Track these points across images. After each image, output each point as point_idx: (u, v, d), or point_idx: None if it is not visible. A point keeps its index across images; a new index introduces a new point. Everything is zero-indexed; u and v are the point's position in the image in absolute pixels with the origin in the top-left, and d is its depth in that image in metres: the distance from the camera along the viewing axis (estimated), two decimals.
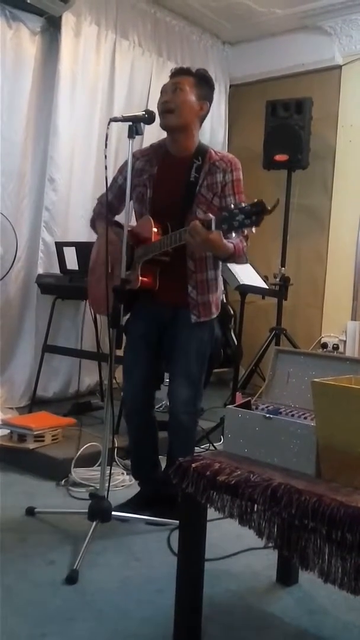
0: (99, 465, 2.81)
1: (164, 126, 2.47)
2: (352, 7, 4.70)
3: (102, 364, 4.33)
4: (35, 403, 3.92)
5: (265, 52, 5.31)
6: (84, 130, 4.28)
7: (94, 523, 2.28)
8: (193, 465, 1.69)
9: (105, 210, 2.53)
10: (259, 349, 4.64)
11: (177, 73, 2.51)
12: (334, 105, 5.00)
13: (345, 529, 1.38)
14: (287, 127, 4.64)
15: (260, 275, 4.14)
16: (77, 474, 2.98)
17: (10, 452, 3.15)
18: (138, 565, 2.22)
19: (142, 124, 2.30)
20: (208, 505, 1.67)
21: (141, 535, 2.46)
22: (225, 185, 2.44)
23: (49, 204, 4.09)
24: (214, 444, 3.38)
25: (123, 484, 2.96)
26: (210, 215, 2.15)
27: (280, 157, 4.65)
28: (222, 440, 3.27)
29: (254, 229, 2.02)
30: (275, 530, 1.56)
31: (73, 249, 3.83)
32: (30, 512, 2.57)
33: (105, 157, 2.23)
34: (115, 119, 2.31)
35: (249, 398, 1.95)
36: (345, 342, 4.92)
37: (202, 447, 3.34)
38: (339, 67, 5.01)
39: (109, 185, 2.67)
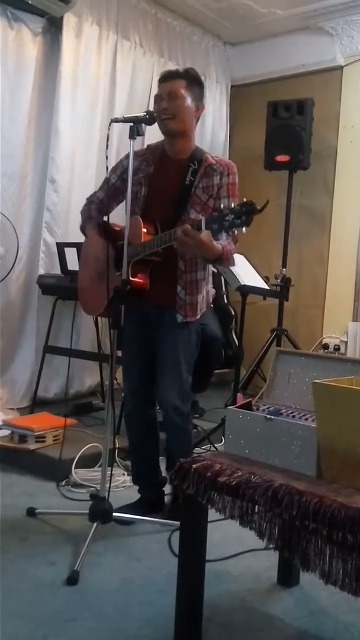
0: (99, 466, 2.81)
1: (164, 132, 2.48)
2: (353, 7, 4.70)
3: (102, 364, 4.33)
4: (36, 404, 3.92)
5: (266, 52, 5.31)
6: (85, 131, 4.28)
7: (95, 524, 2.28)
8: (194, 466, 1.69)
9: (94, 211, 2.53)
10: (260, 350, 4.64)
11: (167, 77, 2.47)
12: (335, 106, 5.00)
13: (346, 530, 1.38)
14: (289, 127, 4.65)
15: (261, 276, 4.13)
16: (78, 474, 2.97)
17: (11, 453, 3.15)
18: (139, 566, 2.22)
19: (143, 124, 2.30)
20: (209, 506, 1.67)
21: (142, 536, 2.46)
22: (221, 187, 2.45)
23: (50, 204, 4.10)
24: (215, 445, 3.38)
25: (124, 484, 2.96)
26: (200, 216, 2.15)
27: (281, 158, 4.65)
28: (223, 441, 3.27)
29: (244, 229, 2.03)
30: (276, 531, 1.56)
31: (74, 249, 3.82)
32: (31, 512, 2.57)
33: (107, 157, 2.23)
34: (116, 120, 2.31)
35: (250, 399, 1.95)
36: (346, 343, 4.92)
37: (203, 447, 3.34)
38: (340, 67, 5.01)
39: (102, 182, 2.67)
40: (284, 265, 4.66)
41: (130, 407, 2.66)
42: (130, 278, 2.35)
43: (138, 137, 2.31)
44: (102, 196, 2.65)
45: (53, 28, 4.07)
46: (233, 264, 2.53)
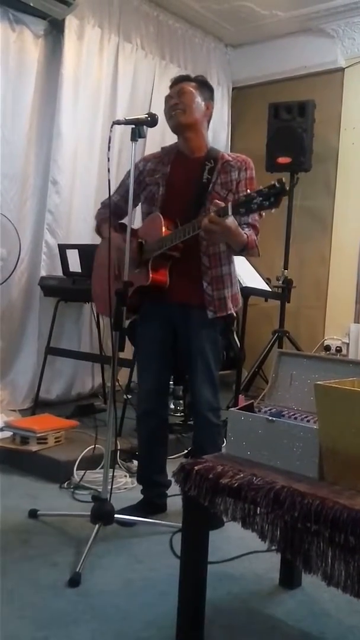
0: (101, 468, 2.81)
1: (174, 126, 2.50)
2: (354, 9, 4.71)
3: (104, 366, 4.33)
4: (38, 405, 3.92)
5: (267, 54, 5.32)
6: (86, 133, 4.29)
7: (97, 526, 2.28)
8: (196, 468, 1.69)
9: (109, 213, 2.54)
10: (261, 352, 4.64)
11: (178, 81, 2.56)
12: (337, 108, 5.00)
13: (348, 531, 1.38)
14: (290, 129, 4.65)
15: (263, 278, 4.15)
16: (80, 476, 2.98)
17: (13, 455, 3.16)
18: (141, 568, 2.22)
19: (144, 126, 2.30)
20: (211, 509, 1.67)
21: (144, 538, 2.46)
22: (240, 182, 2.46)
23: (52, 206, 4.10)
24: None
25: (126, 486, 2.96)
26: (222, 203, 2.15)
27: (283, 160, 4.66)
28: (225, 443, 3.27)
29: (273, 210, 2.02)
30: (278, 533, 1.56)
31: (76, 251, 3.83)
32: (33, 514, 2.58)
33: (108, 159, 2.24)
34: (118, 122, 2.31)
35: (252, 401, 1.95)
36: (348, 344, 4.91)
37: None
38: (342, 69, 5.01)
39: (117, 186, 2.68)
40: (285, 267, 4.67)
41: (144, 407, 2.66)
42: (150, 275, 2.37)
43: (139, 139, 2.31)
44: (117, 199, 2.65)
45: (55, 30, 4.08)
46: (258, 255, 2.53)
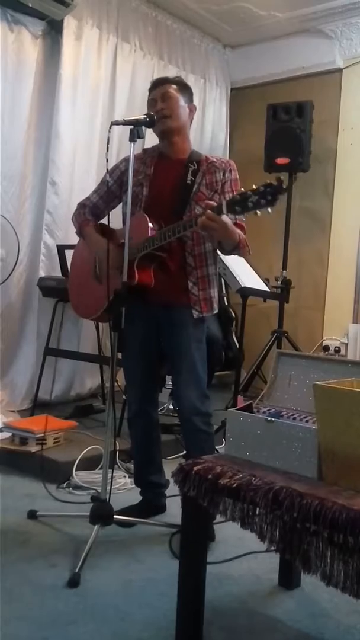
0: (100, 469, 2.81)
1: (162, 132, 2.49)
2: (352, 10, 4.71)
3: (103, 366, 4.33)
4: (37, 406, 3.92)
5: (266, 55, 5.32)
6: (85, 134, 4.29)
7: (96, 526, 2.28)
8: (195, 468, 1.69)
9: (88, 214, 2.57)
10: (260, 352, 4.64)
11: (158, 83, 2.55)
12: (335, 109, 5.01)
13: (347, 532, 1.38)
14: (288, 130, 4.65)
15: (261, 278, 4.14)
16: (79, 477, 2.98)
17: (12, 455, 3.15)
18: (140, 569, 2.22)
19: (143, 127, 2.31)
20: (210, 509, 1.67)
21: (143, 539, 2.46)
22: (225, 183, 2.46)
23: (51, 207, 4.10)
24: (216, 447, 3.37)
25: (125, 487, 2.96)
26: (214, 203, 2.15)
27: (281, 160, 4.66)
28: (223, 444, 3.27)
29: (269, 209, 2.00)
30: (277, 533, 1.56)
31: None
32: (32, 515, 2.58)
33: (107, 160, 2.24)
34: (116, 123, 2.31)
35: (251, 401, 1.95)
36: (346, 344, 4.92)
37: None
38: (340, 70, 5.02)
39: (96, 187, 2.68)
40: (284, 268, 4.67)
41: (133, 410, 2.65)
42: (136, 274, 2.33)
43: (138, 140, 2.31)
44: (96, 200, 2.65)
45: (53, 31, 4.08)
46: (249, 253, 2.52)
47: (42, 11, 3.83)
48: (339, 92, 5.01)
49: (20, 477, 3.05)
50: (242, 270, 3.72)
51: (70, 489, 2.93)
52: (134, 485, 2.85)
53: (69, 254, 3.85)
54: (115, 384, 2.45)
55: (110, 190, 2.58)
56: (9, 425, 3.32)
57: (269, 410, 1.91)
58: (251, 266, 4.02)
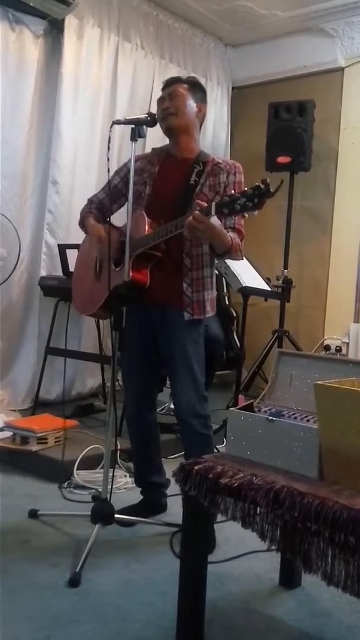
0: (101, 468, 2.81)
1: (166, 129, 2.48)
2: (354, 9, 4.71)
3: (104, 366, 4.33)
4: (38, 405, 3.92)
5: (267, 54, 5.32)
6: (86, 133, 4.29)
7: (97, 526, 2.28)
8: (196, 467, 1.69)
9: (94, 209, 2.54)
10: (261, 351, 4.64)
11: (170, 83, 2.53)
12: (337, 107, 5.00)
13: (348, 531, 1.38)
14: (290, 129, 4.65)
15: (262, 278, 4.14)
16: (80, 476, 2.98)
17: (13, 455, 3.16)
18: (141, 568, 2.22)
19: (144, 126, 2.30)
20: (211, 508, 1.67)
21: (144, 538, 2.46)
22: (227, 185, 2.44)
23: (52, 206, 4.10)
24: (217, 447, 3.37)
25: (126, 486, 2.96)
26: (205, 203, 2.14)
27: (282, 159, 4.66)
28: (224, 443, 3.27)
29: (256, 212, 1.98)
30: (278, 533, 1.56)
31: (76, 251, 3.80)
32: (33, 514, 2.58)
33: (108, 159, 2.23)
34: (117, 122, 2.31)
35: (252, 400, 1.95)
36: (348, 344, 4.91)
37: None
38: (342, 69, 5.01)
39: (105, 184, 2.67)
40: (285, 267, 4.67)
41: (131, 411, 2.65)
42: (131, 273, 2.31)
43: (139, 139, 2.31)
44: (102, 197, 2.66)
45: (54, 30, 4.07)
46: (242, 258, 2.50)
47: (44, 10, 3.83)
48: (341, 91, 5.01)
49: (21, 477, 3.05)
50: (243, 270, 3.73)
51: (71, 488, 2.93)
52: (134, 485, 2.85)
53: (70, 253, 3.86)
54: (117, 383, 2.45)
55: (116, 188, 2.58)
56: (10, 424, 3.32)
57: (270, 409, 1.91)
58: (252, 265, 4.02)
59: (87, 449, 3.11)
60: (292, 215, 4.79)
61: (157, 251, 2.37)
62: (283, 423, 1.73)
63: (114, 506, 2.34)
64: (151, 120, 2.32)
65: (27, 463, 3.11)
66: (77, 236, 4.13)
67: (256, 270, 4.07)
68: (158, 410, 2.75)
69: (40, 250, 4.10)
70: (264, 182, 1.93)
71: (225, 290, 4.93)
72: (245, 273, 3.78)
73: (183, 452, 3.21)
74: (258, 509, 1.57)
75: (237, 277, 3.67)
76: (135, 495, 2.73)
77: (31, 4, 3.73)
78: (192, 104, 2.49)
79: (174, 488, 2.10)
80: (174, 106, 2.45)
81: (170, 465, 2.66)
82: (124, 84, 4.55)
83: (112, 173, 2.48)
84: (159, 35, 4.84)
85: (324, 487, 1.56)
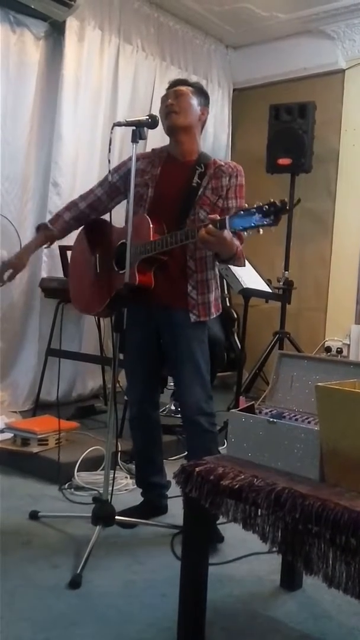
0: (102, 469, 2.80)
1: (168, 127, 2.47)
2: (355, 11, 4.71)
3: (105, 367, 4.33)
4: (39, 407, 3.92)
5: (268, 56, 5.32)
6: (87, 135, 4.29)
7: (98, 527, 2.28)
8: (197, 469, 1.69)
9: (84, 207, 2.58)
10: (262, 353, 4.64)
11: (176, 83, 2.55)
12: (337, 109, 5.01)
13: (350, 533, 1.38)
14: (291, 131, 4.65)
15: (263, 279, 4.14)
16: (81, 478, 2.98)
17: (14, 456, 3.16)
18: (141, 570, 2.22)
19: (145, 128, 2.30)
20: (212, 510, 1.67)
21: (144, 540, 2.46)
22: (229, 188, 2.45)
23: (53, 208, 4.08)
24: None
25: (126, 488, 2.96)
26: (218, 216, 2.14)
27: (283, 161, 4.66)
28: (225, 445, 3.27)
29: (272, 229, 2.01)
30: (279, 534, 1.56)
31: None
32: (33, 516, 2.58)
33: (109, 161, 2.24)
34: (118, 124, 2.31)
35: (253, 402, 1.95)
36: (349, 345, 4.91)
37: None
38: (342, 71, 5.02)
39: (101, 180, 2.67)
40: (286, 268, 4.67)
41: (134, 411, 2.65)
42: (137, 276, 2.33)
43: (140, 141, 2.31)
44: (100, 194, 2.64)
45: (55, 32, 4.08)
46: (244, 264, 2.52)
47: (45, 12, 3.84)
48: (342, 93, 5.01)
49: (21, 478, 3.05)
50: (244, 271, 3.72)
51: (72, 489, 2.93)
52: (135, 486, 2.85)
53: (70, 254, 3.86)
54: (117, 385, 2.45)
55: (115, 186, 2.58)
56: (11, 426, 3.32)
57: (270, 411, 1.91)
58: (253, 267, 4.02)
59: (88, 450, 3.11)
60: (293, 217, 4.79)
61: (162, 255, 2.38)
62: (284, 425, 1.73)
63: (115, 508, 2.34)
64: (152, 122, 2.31)
65: (28, 464, 3.11)
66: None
67: (257, 271, 4.08)
68: (159, 411, 2.75)
69: (41, 252, 4.09)
70: (281, 201, 1.97)
71: (226, 292, 4.94)
72: (246, 274, 3.78)
73: (184, 454, 3.23)
74: (259, 510, 1.57)
75: (238, 279, 3.67)
76: (136, 497, 2.73)
77: (32, 6, 3.74)
78: (195, 106, 2.49)
79: (174, 490, 2.10)
80: (178, 105, 2.45)
81: (171, 467, 2.65)
82: (125, 85, 4.55)
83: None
84: (159, 37, 4.84)
85: (325, 489, 1.56)
